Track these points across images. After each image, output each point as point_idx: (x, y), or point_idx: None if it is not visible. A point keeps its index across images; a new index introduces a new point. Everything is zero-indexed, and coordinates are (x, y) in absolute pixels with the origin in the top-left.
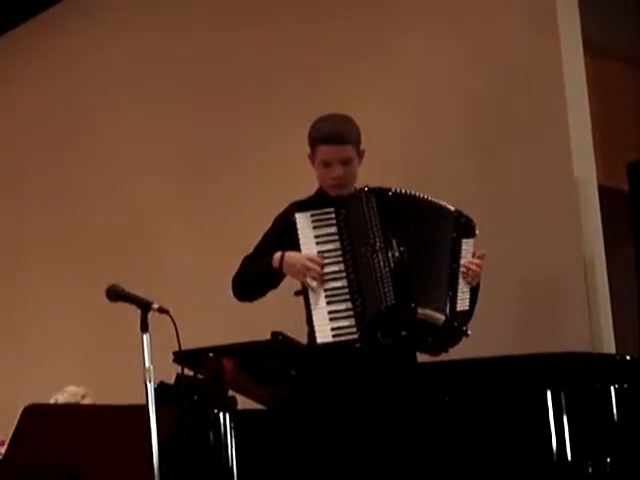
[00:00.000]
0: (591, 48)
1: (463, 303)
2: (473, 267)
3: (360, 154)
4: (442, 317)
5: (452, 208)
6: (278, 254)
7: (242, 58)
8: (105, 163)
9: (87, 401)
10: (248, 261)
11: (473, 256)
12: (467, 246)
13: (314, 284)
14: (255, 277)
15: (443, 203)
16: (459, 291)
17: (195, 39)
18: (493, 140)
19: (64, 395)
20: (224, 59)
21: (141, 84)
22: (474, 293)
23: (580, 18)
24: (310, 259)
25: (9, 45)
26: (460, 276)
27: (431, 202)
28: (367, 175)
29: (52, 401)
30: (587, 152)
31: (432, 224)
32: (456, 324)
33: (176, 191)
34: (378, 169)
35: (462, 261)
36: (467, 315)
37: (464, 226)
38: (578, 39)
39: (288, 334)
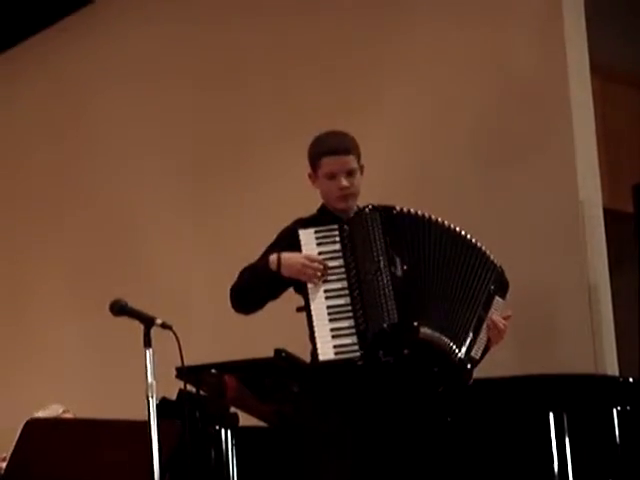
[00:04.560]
0: (598, 70)
1: (477, 352)
2: (500, 325)
3: (361, 168)
4: (449, 342)
5: (496, 262)
6: (274, 256)
7: (249, 61)
8: (105, 171)
9: (67, 416)
10: (246, 271)
11: None
12: (497, 305)
13: (316, 281)
14: (252, 283)
15: (486, 250)
16: (479, 340)
17: (199, 40)
18: (498, 161)
19: (45, 412)
20: (229, 61)
21: (142, 87)
22: (486, 349)
23: (588, 40)
24: (309, 257)
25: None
26: (485, 327)
27: (463, 238)
28: (372, 188)
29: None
30: (592, 174)
31: (450, 251)
32: (469, 366)
33: (176, 202)
34: (383, 183)
35: (491, 315)
36: (475, 364)
37: (503, 285)
38: (585, 61)
39: (293, 351)
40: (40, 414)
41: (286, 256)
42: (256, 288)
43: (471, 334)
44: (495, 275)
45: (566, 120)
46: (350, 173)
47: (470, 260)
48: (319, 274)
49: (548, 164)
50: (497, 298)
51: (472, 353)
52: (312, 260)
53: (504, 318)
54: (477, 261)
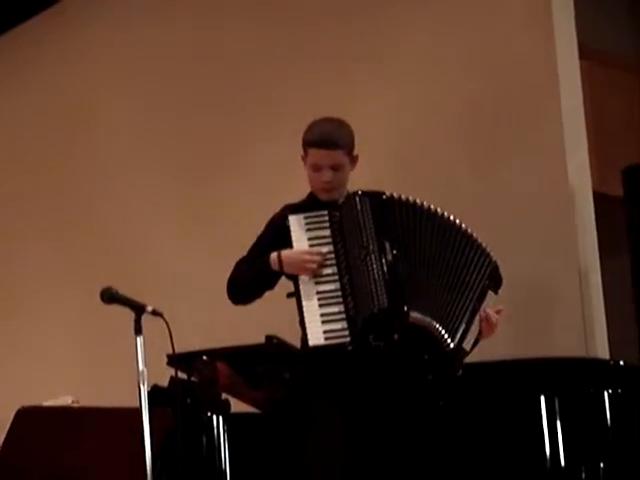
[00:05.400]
0: (586, 53)
1: (468, 343)
2: (492, 319)
3: (353, 160)
4: (441, 329)
5: (492, 257)
6: (274, 255)
7: (239, 60)
8: (100, 165)
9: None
10: (243, 264)
11: None
12: (490, 299)
13: (315, 273)
14: (252, 279)
15: (482, 242)
16: (471, 331)
17: (190, 40)
18: (487, 146)
19: (55, 402)
20: (220, 61)
21: (136, 86)
22: (476, 341)
23: (575, 23)
24: (307, 252)
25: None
26: (477, 319)
27: (458, 228)
28: (362, 179)
29: None
30: (582, 158)
31: (443, 239)
32: (459, 356)
33: (170, 194)
34: (373, 173)
35: (484, 308)
36: (465, 355)
37: (497, 280)
38: (573, 44)
39: (285, 337)
40: (50, 404)
41: (286, 255)
42: (256, 284)
43: (464, 325)
44: (491, 269)
45: (555, 104)
46: (335, 167)
47: (465, 251)
48: (317, 266)
49: (537, 149)
50: (490, 292)
51: (464, 344)
52: (311, 254)
53: (496, 312)
54: (473, 253)
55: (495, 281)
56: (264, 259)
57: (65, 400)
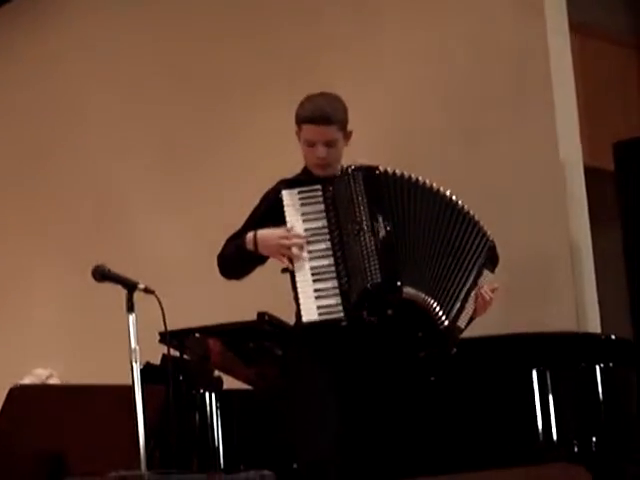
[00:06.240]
0: (577, 28)
1: (462, 321)
2: (487, 297)
3: (347, 135)
4: (435, 304)
5: (490, 237)
6: (250, 236)
7: (224, 40)
8: (86, 143)
9: (53, 381)
10: (231, 241)
11: None
12: (486, 277)
13: (296, 255)
14: (235, 258)
15: (479, 220)
16: (466, 309)
17: (176, 22)
18: (478, 122)
19: (30, 378)
20: (206, 42)
21: (121, 68)
22: (470, 319)
23: None
24: (283, 236)
25: None
26: (472, 297)
27: (454, 204)
28: (354, 153)
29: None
30: (573, 133)
31: (439, 215)
32: (453, 334)
33: (159, 168)
34: (362, 151)
35: (480, 287)
36: (459, 333)
37: (493, 259)
38: (564, 19)
39: (277, 313)
40: (26, 380)
41: (262, 237)
42: (240, 262)
43: (459, 303)
44: (487, 248)
45: (546, 79)
46: (329, 143)
47: (462, 229)
48: (297, 249)
49: (528, 123)
50: (486, 271)
51: (458, 322)
52: (288, 237)
53: (491, 290)
54: (470, 232)
55: (492, 260)
56: (242, 239)
57: (39, 375)
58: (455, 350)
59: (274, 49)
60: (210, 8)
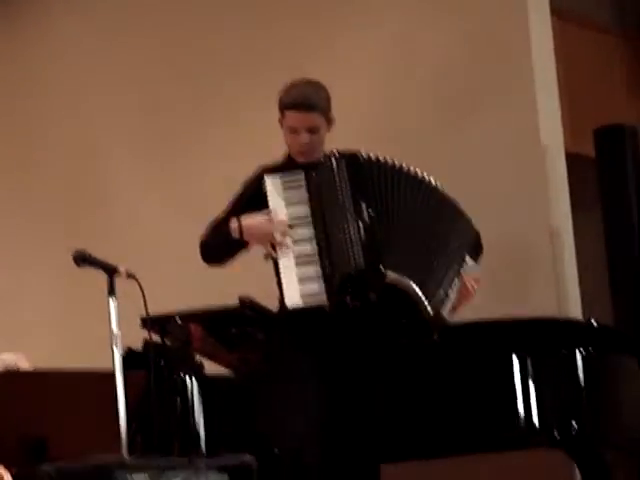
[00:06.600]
0: (558, 13)
1: (445, 309)
2: (469, 287)
3: (329, 121)
4: (417, 290)
5: (474, 226)
6: (235, 224)
7: (210, 27)
8: (71, 122)
9: (22, 365)
10: (216, 225)
11: None
12: (470, 268)
13: (281, 241)
14: (218, 245)
15: (464, 211)
16: (449, 298)
17: (163, 8)
18: (459, 106)
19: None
20: (192, 28)
21: (104, 22)
22: (453, 308)
23: None
24: (266, 221)
25: None
26: (455, 287)
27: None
28: (334, 137)
29: None
30: (554, 119)
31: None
32: (437, 322)
33: (144, 152)
34: (343, 133)
35: (463, 276)
36: (442, 321)
37: (477, 249)
38: (545, 4)
39: (260, 299)
40: None
41: (247, 225)
42: (222, 250)
43: (442, 291)
44: (471, 238)
45: (527, 64)
46: (312, 130)
47: (446, 217)
48: (280, 234)
49: (510, 108)
50: (470, 261)
51: (441, 310)
52: (271, 222)
53: (474, 281)
54: (455, 220)
55: (475, 250)
56: (227, 228)
57: (5, 360)
58: (438, 338)
59: (259, 36)
60: None
